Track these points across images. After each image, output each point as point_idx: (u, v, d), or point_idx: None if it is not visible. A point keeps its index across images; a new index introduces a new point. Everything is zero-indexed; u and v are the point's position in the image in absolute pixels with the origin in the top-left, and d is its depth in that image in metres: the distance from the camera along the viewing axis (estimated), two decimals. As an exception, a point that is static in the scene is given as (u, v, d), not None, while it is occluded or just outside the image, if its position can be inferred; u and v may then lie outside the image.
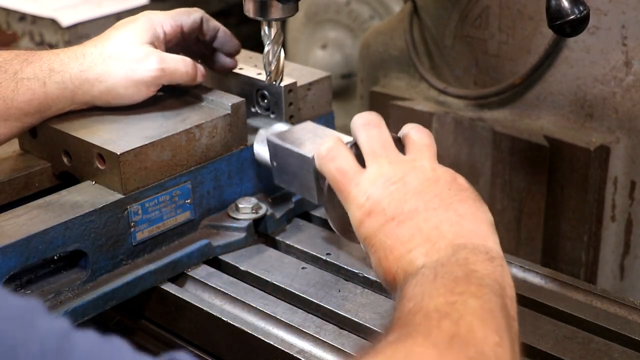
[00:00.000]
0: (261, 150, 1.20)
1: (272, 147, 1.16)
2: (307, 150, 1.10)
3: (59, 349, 0.53)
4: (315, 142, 1.09)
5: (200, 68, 1.21)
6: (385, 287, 0.92)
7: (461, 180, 0.92)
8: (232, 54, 1.29)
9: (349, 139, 1.03)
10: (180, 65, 1.17)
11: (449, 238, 0.85)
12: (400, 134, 1.00)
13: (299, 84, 1.28)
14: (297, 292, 1.09)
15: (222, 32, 1.26)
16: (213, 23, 1.26)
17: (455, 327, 0.71)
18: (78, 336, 0.55)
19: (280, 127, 1.21)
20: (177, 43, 1.23)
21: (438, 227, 0.86)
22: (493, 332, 0.72)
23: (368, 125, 0.96)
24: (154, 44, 1.17)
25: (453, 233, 0.86)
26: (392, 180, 0.90)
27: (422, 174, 0.91)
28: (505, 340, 0.72)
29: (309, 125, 1.20)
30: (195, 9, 1.25)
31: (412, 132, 0.97)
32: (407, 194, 0.89)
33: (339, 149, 0.94)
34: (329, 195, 0.99)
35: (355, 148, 0.97)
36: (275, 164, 1.17)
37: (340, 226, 1.02)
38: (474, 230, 0.87)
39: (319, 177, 1.05)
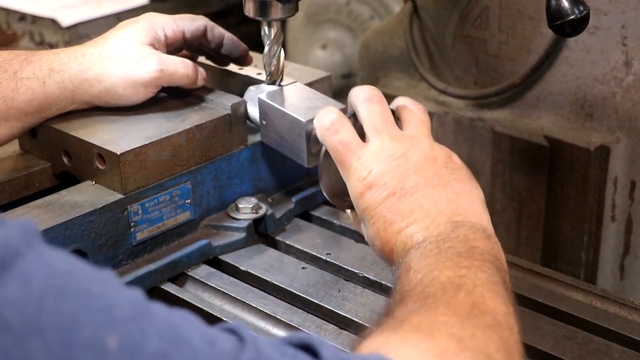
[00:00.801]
0: (250, 109, 1.21)
1: (264, 106, 1.18)
2: (300, 114, 1.13)
3: (139, 314, 0.56)
4: (307, 106, 1.13)
5: (202, 71, 1.21)
6: (379, 256, 0.96)
7: (456, 158, 0.97)
8: (241, 60, 1.29)
9: (340, 105, 1.07)
10: (180, 67, 1.17)
11: (447, 215, 0.89)
12: (393, 105, 1.02)
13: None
14: (297, 292, 1.09)
15: (227, 40, 1.25)
16: (218, 31, 1.25)
17: (471, 298, 0.75)
18: (153, 305, 0.58)
19: (270, 87, 1.23)
20: (179, 48, 1.23)
21: (437, 204, 0.90)
22: (501, 302, 0.76)
23: (370, 100, 0.98)
24: (154, 45, 1.17)
25: (451, 210, 0.90)
26: (394, 156, 0.93)
27: (422, 152, 0.94)
28: (511, 310, 0.77)
29: (298, 86, 1.22)
30: (200, 16, 1.25)
31: (409, 107, 1.00)
32: (408, 170, 0.92)
33: (342, 123, 0.97)
34: (325, 161, 1.01)
35: (354, 119, 0.99)
36: (264, 122, 1.19)
37: (330, 191, 1.04)
38: (469, 208, 0.91)
39: (310, 140, 1.10)
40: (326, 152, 1.00)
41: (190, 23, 1.22)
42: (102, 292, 0.56)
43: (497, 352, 0.71)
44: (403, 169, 0.93)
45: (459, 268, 0.79)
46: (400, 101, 1.02)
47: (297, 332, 0.90)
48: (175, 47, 1.22)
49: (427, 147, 0.95)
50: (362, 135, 0.97)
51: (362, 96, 0.99)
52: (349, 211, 1.06)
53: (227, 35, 1.26)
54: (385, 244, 0.92)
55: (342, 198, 1.03)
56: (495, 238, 0.89)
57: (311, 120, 1.10)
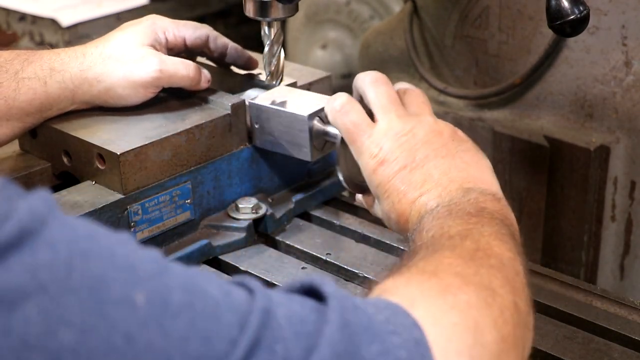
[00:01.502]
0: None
1: (256, 109, 1.20)
2: (299, 110, 1.16)
3: (161, 271, 0.60)
4: (301, 102, 1.18)
5: (206, 73, 1.21)
6: (395, 229, 1.00)
7: (460, 132, 1.02)
8: (245, 67, 1.29)
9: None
10: (181, 68, 1.17)
11: (458, 182, 0.94)
12: (395, 89, 1.07)
13: (299, 84, 1.28)
14: (297, 292, 1.09)
15: (231, 49, 1.25)
16: (221, 41, 1.24)
17: (477, 244, 0.79)
18: (171, 262, 0.62)
19: (254, 92, 1.24)
20: (178, 53, 1.22)
21: (447, 173, 0.95)
22: (507, 250, 0.81)
23: (377, 82, 1.03)
24: (155, 47, 1.17)
25: (461, 178, 0.94)
26: (402, 132, 0.98)
27: (428, 126, 0.99)
28: (518, 258, 0.81)
29: (283, 89, 1.24)
30: (204, 25, 1.24)
31: (410, 92, 1.06)
32: (417, 144, 0.97)
33: (352, 104, 1.01)
34: (341, 148, 1.06)
35: (361, 103, 1.04)
36: (257, 126, 1.20)
37: (347, 176, 1.08)
38: (479, 176, 0.96)
39: (312, 135, 1.15)
40: (342, 138, 1.04)
41: (192, 31, 1.22)
42: (124, 252, 0.60)
43: (501, 287, 0.73)
44: (412, 143, 0.97)
45: (468, 224, 0.84)
46: (401, 85, 1.08)
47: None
48: (175, 52, 1.22)
49: (433, 122, 1.01)
50: (369, 117, 1.02)
51: (369, 79, 1.03)
52: (360, 196, 1.09)
53: (231, 45, 1.25)
54: (400, 216, 0.96)
55: (357, 183, 1.07)
56: (505, 201, 0.93)
57: (312, 115, 1.14)
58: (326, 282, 0.66)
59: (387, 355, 0.61)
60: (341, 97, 1.02)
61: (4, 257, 0.54)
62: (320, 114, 1.15)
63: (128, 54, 1.14)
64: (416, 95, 1.06)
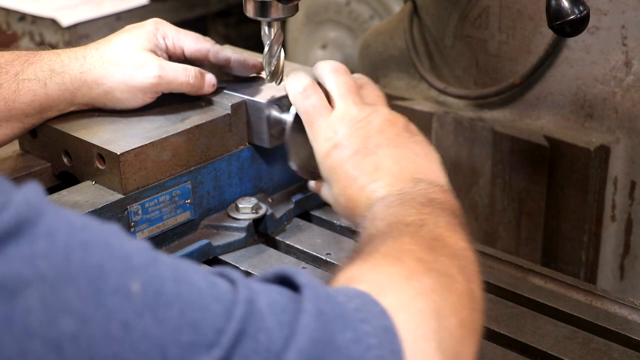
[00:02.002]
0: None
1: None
2: (257, 98, 1.20)
3: (153, 261, 0.62)
4: (265, 91, 1.22)
5: (210, 78, 1.20)
6: (343, 214, 1.02)
7: (413, 126, 1.04)
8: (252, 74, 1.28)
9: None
10: (180, 75, 1.16)
11: (408, 172, 0.96)
12: None
13: (299, 84, 1.28)
14: (297, 292, 1.09)
15: (235, 63, 1.23)
16: (224, 54, 1.22)
17: (432, 234, 0.83)
18: (158, 253, 0.64)
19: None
20: (178, 61, 1.21)
21: (399, 162, 0.97)
22: (460, 239, 0.84)
23: (337, 72, 1.06)
24: (155, 52, 1.17)
25: (412, 169, 0.96)
26: (358, 118, 1.01)
27: (383, 116, 1.02)
28: (469, 247, 0.84)
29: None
30: (206, 39, 1.23)
31: (366, 85, 1.10)
32: (371, 131, 1.00)
33: (314, 88, 1.05)
34: (291, 134, 1.11)
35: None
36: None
37: (298, 162, 1.12)
38: (428, 168, 0.98)
39: (270, 122, 1.19)
40: (292, 125, 1.10)
41: (193, 42, 1.21)
42: (119, 242, 0.62)
43: (458, 274, 0.77)
44: (366, 130, 1.00)
45: (421, 214, 0.86)
46: (358, 77, 1.11)
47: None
48: (174, 60, 1.21)
49: (387, 112, 1.03)
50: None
51: (329, 68, 1.07)
52: (312, 182, 1.13)
53: (234, 58, 1.23)
54: (349, 200, 0.98)
55: (309, 169, 1.11)
56: (452, 194, 0.96)
57: (270, 102, 1.19)
58: (299, 272, 0.68)
59: (359, 342, 0.64)
60: (304, 80, 1.05)
61: (2, 247, 0.56)
62: (279, 102, 1.19)
63: (128, 58, 1.14)
64: (373, 89, 1.09)
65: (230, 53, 1.23)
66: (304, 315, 0.63)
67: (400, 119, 1.03)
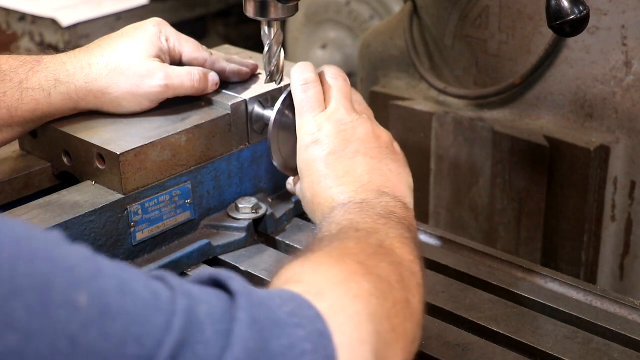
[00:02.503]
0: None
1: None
2: (240, 94, 1.22)
3: (97, 271, 0.60)
4: (251, 87, 1.24)
5: (213, 78, 1.20)
6: (307, 210, 1.06)
7: (397, 145, 1.08)
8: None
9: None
10: (186, 80, 1.17)
11: (376, 184, 0.99)
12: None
13: (299, 84, 1.28)
14: (297, 292, 1.09)
15: (230, 73, 1.24)
16: (220, 66, 1.23)
17: (381, 243, 0.85)
18: (100, 259, 0.63)
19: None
20: (175, 63, 1.21)
21: (370, 173, 1.00)
22: (409, 253, 0.86)
23: (337, 77, 1.10)
24: (160, 56, 1.17)
25: (381, 182, 1.00)
26: (344, 121, 1.04)
27: (369, 128, 1.05)
28: (417, 261, 0.86)
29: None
30: (205, 49, 1.24)
31: (359, 101, 1.13)
32: (353, 137, 1.03)
33: (315, 84, 1.08)
34: (274, 131, 1.13)
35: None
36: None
37: (280, 159, 1.15)
38: (397, 186, 1.01)
39: (251, 118, 1.21)
40: (274, 121, 1.13)
41: (192, 50, 1.21)
42: (63, 253, 0.60)
43: (397, 283, 0.79)
44: (349, 134, 1.03)
45: (376, 223, 0.89)
46: (355, 95, 1.13)
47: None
48: (172, 62, 1.21)
49: (375, 126, 1.07)
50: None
51: (331, 73, 1.10)
52: (290, 179, 1.17)
53: (230, 69, 1.24)
54: (314, 197, 1.01)
55: (289, 166, 1.15)
56: (413, 213, 0.99)
57: (252, 99, 1.21)
58: (233, 278, 0.68)
59: (294, 348, 0.64)
60: (309, 73, 1.09)
61: None
62: (261, 98, 1.21)
63: (134, 66, 1.14)
64: (365, 107, 1.13)
65: (225, 64, 1.24)
66: (238, 326, 0.63)
67: (385, 135, 1.06)
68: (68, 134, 1.14)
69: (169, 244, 1.16)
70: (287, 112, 1.14)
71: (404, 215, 0.94)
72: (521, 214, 1.55)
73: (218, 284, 0.68)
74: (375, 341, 0.70)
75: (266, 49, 1.20)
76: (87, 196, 1.09)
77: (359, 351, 0.68)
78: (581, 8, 1.04)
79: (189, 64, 1.21)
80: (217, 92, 1.23)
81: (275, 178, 1.27)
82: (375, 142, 1.04)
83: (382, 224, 0.89)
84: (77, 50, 1.17)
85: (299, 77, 1.09)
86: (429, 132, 1.64)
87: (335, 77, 1.10)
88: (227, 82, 1.25)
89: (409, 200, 1.01)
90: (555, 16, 1.05)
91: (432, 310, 1.08)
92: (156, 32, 1.18)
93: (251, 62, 1.28)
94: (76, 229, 1.04)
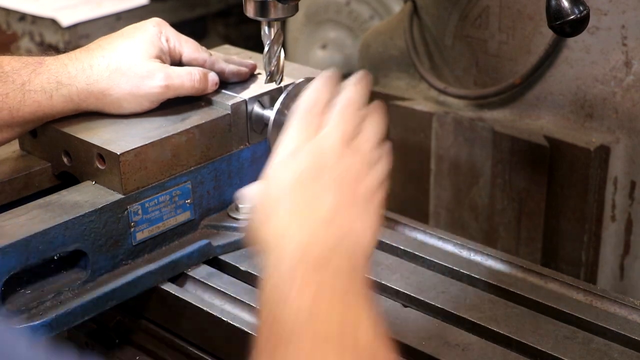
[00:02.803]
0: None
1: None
2: (240, 94, 1.23)
3: None
4: (251, 87, 1.25)
5: (212, 78, 1.21)
6: (249, 219, 0.89)
7: (380, 197, 0.90)
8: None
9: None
10: (186, 81, 1.17)
11: (337, 235, 0.83)
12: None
13: (299, 84, 1.28)
14: (297, 292, 1.09)
15: (229, 74, 1.25)
16: (219, 66, 1.23)
17: (355, 343, 0.75)
18: None
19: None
20: (174, 64, 1.21)
21: (332, 220, 0.84)
22: (384, 346, 0.76)
23: (352, 107, 0.93)
24: (160, 57, 1.17)
25: (341, 234, 0.84)
26: (328, 155, 0.88)
27: (355, 171, 0.89)
28: (386, 344, 0.76)
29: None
30: (205, 50, 1.24)
31: (368, 136, 0.95)
32: (333, 172, 0.87)
33: (319, 101, 0.92)
34: (273, 132, 1.13)
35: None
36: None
37: None
38: (359, 243, 0.85)
39: (250, 118, 1.22)
40: (274, 121, 1.13)
41: (192, 50, 1.22)
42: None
43: None
44: (326, 169, 0.87)
45: (344, 315, 0.77)
46: (366, 135, 0.95)
47: None
48: (171, 62, 1.21)
49: (363, 172, 0.90)
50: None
51: (343, 99, 0.94)
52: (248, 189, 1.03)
53: (229, 69, 1.24)
54: (262, 209, 0.87)
55: None
56: (368, 265, 0.86)
57: (252, 99, 1.21)
58: None
59: None
60: (320, 97, 0.93)
61: None
62: (261, 98, 1.21)
63: (134, 67, 1.14)
64: (373, 138, 0.94)
65: (225, 65, 1.24)
66: None
67: (368, 183, 0.89)
68: (68, 134, 1.14)
69: (169, 244, 1.16)
70: (286, 112, 1.14)
71: (363, 278, 0.83)
72: (521, 214, 1.55)
73: None
74: None
75: (266, 49, 1.20)
76: (87, 196, 1.09)
77: None
78: (581, 8, 1.04)
79: (189, 64, 1.21)
80: (217, 92, 1.23)
81: (275, 178, 1.27)
82: (353, 186, 0.87)
83: (350, 311, 0.78)
84: (78, 50, 1.17)
85: (311, 94, 0.94)
86: (429, 132, 1.64)
87: (344, 106, 0.93)
88: (226, 82, 1.26)
89: (369, 252, 0.86)
90: (555, 16, 1.05)
91: (432, 310, 1.08)
92: (156, 32, 1.18)
93: (250, 61, 1.28)
94: (76, 229, 1.04)
